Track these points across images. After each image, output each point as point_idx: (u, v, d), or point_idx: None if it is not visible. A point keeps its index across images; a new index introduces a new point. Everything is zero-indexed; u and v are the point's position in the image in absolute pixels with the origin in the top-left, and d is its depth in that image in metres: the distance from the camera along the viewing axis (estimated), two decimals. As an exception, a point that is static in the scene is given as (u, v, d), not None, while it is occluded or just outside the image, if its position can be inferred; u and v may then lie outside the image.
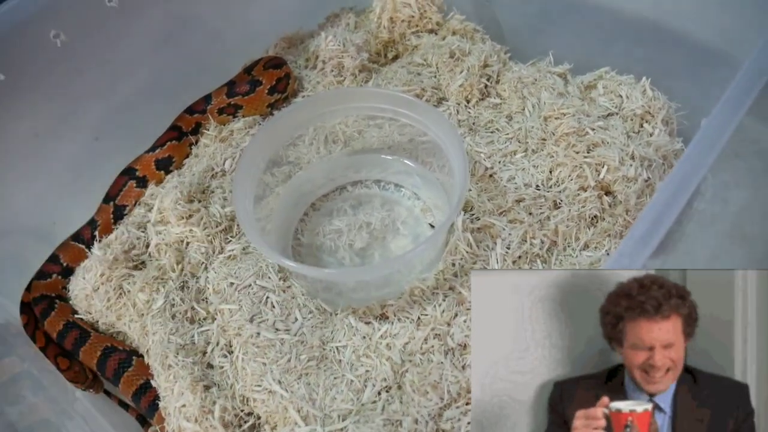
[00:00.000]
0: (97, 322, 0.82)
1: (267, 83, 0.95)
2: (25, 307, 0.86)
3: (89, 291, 0.82)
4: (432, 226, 0.87)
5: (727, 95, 0.68)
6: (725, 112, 0.67)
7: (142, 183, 0.92)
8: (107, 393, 0.83)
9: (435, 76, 0.97)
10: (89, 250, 0.86)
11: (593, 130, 0.85)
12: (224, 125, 0.96)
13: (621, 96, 0.90)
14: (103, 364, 0.78)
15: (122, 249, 0.83)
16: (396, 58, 1.05)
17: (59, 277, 0.87)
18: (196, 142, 0.96)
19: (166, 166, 0.93)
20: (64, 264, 0.87)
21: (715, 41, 0.94)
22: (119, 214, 0.91)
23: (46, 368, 0.81)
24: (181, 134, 0.95)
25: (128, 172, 0.93)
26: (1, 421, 0.73)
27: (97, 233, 0.89)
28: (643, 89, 0.90)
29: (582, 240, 0.81)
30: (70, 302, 0.85)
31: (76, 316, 0.83)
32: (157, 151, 0.93)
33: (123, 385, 0.77)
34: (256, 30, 1.12)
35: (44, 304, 0.83)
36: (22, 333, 0.85)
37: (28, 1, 0.80)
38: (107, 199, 0.91)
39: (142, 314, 0.79)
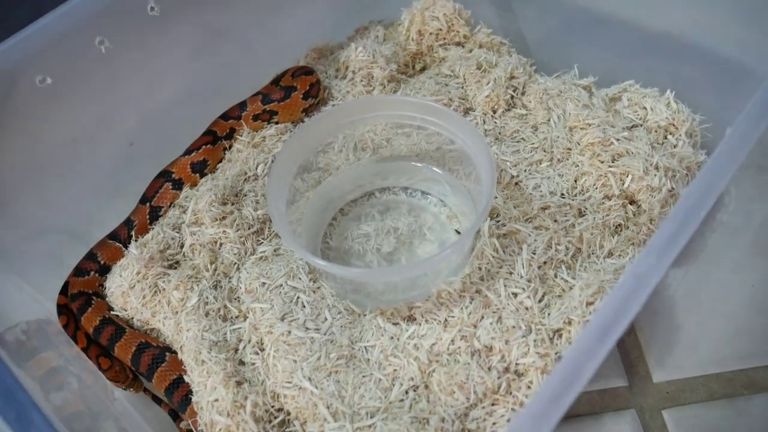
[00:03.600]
0: (132, 318, 0.85)
1: (301, 89, 0.98)
2: (63, 308, 0.88)
3: (125, 288, 0.84)
4: (458, 233, 0.89)
5: (749, 107, 0.69)
6: (747, 124, 0.68)
7: (178, 185, 0.95)
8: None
9: (462, 87, 0.99)
10: (125, 249, 0.89)
11: (618, 140, 0.87)
12: (257, 131, 0.99)
13: (645, 108, 0.92)
14: (137, 359, 0.81)
15: (158, 248, 0.86)
16: (423, 69, 1.08)
17: (96, 275, 0.89)
18: (230, 147, 0.99)
19: (201, 169, 0.96)
20: (102, 262, 0.90)
21: (739, 55, 0.96)
22: (155, 215, 0.94)
23: (87, 368, 0.83)
24: (216, 138, 0.98)
25: (164, 175, 0.96)
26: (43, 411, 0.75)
27: (133, 233, 0.92)
28: (668, 102, 0.92)
29: (606, 248, 0.82)
30: (107, 299, 0.87)
31: (111, 312, 0.86)
32: (192, 154, 0.96)
33: (156, 380, 0.80)
34: (287, 41, 1.15)
35: (81, 300, 0.86)
36: (59, 329, 0.87)
37: (78, 8, 0.83)
38: (144, 200, 0.94)
39: (177, 312, 0.81)
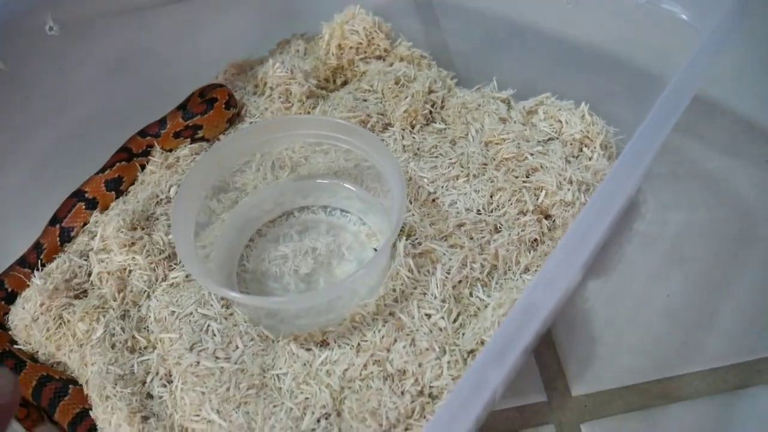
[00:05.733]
0: (37, 352, 0.81)
1: (222, 99, 0.96)
2: None
3: (29, 321, 0.80)
4: (376, 251, 0.88)
5: (651, 114, 0.69)
6: (647, 131, 0.68)
7: (92, 205, 0.92)
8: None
9: (381, 102, 0.98)
10: (35, 274, 0.85)
11: (532, 155, 0.87)
12: (171, 151, 0.96)
13: (561, 121, 0.92)
14: (38, 393, 0.77)
15: (63, 278, 0.82)
16: (345, 83, 1.07)
17: (3, 303, 0.85)
18: (144, 166, 0.96)
19: (115, 186, 0.93)
20: (9, 289, 0.85)
21: (654, 65, 0.97)
22: (66, 237, 0.90)
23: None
24: (131, 155, 0.94)
25: (77, 194, 0.92)
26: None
27: (42, 257, 0.88)
28: (582, 114, 0.92)
29: (522, 263, 0.82)
30: (10, 332, 0.84)
31: (15, 346, 0.82)
32: (106, 172, 0.92)
33: (59, 414, 0.76)
34: (207, 56, 1.12)
35: (-18, 333, 0.82)
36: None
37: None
38: (54, 221, 0.90)
39: (82, 344, 0.78)
